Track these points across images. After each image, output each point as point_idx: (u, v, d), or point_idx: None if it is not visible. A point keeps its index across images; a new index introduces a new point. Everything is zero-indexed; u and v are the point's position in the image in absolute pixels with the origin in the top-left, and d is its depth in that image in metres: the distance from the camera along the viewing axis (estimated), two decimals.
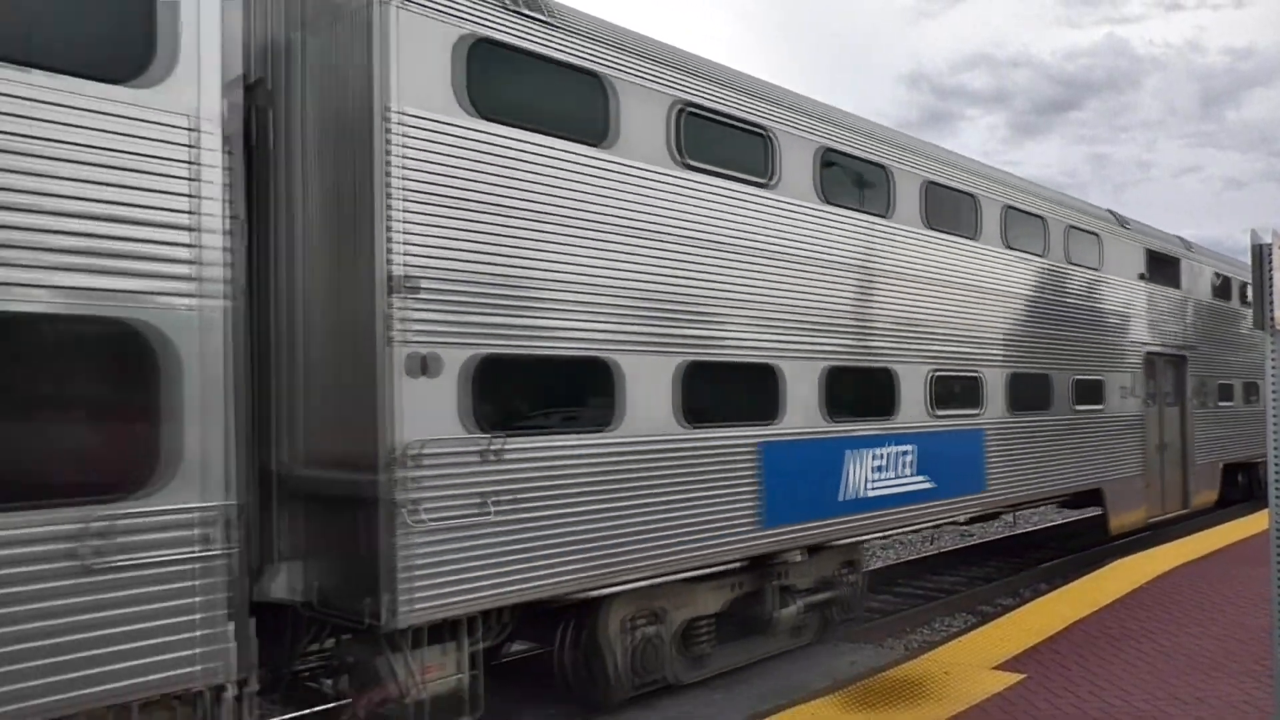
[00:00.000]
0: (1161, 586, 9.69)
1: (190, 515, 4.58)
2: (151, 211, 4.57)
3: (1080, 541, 15.84)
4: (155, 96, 4.57)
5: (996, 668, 7.01)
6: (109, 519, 4.26)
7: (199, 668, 4.59)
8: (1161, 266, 15.00)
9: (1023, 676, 6.75)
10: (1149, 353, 14.34)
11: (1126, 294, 13.87)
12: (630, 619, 7.12)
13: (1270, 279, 4.05)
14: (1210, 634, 7.80)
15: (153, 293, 4.54)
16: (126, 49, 4.42)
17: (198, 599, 4.59)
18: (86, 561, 4.18)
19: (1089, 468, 12.59)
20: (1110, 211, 14.43)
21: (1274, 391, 4.06)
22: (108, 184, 4.42)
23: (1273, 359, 4.04)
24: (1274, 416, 4.09)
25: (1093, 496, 12.94)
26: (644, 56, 7.17)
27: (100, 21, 4.40)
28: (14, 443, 4.13)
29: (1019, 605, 9.35)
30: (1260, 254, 4.07)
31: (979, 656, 7.32)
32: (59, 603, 4.13)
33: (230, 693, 4.75)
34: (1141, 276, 14.32)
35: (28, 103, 4.14)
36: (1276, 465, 4.15)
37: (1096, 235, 13.21)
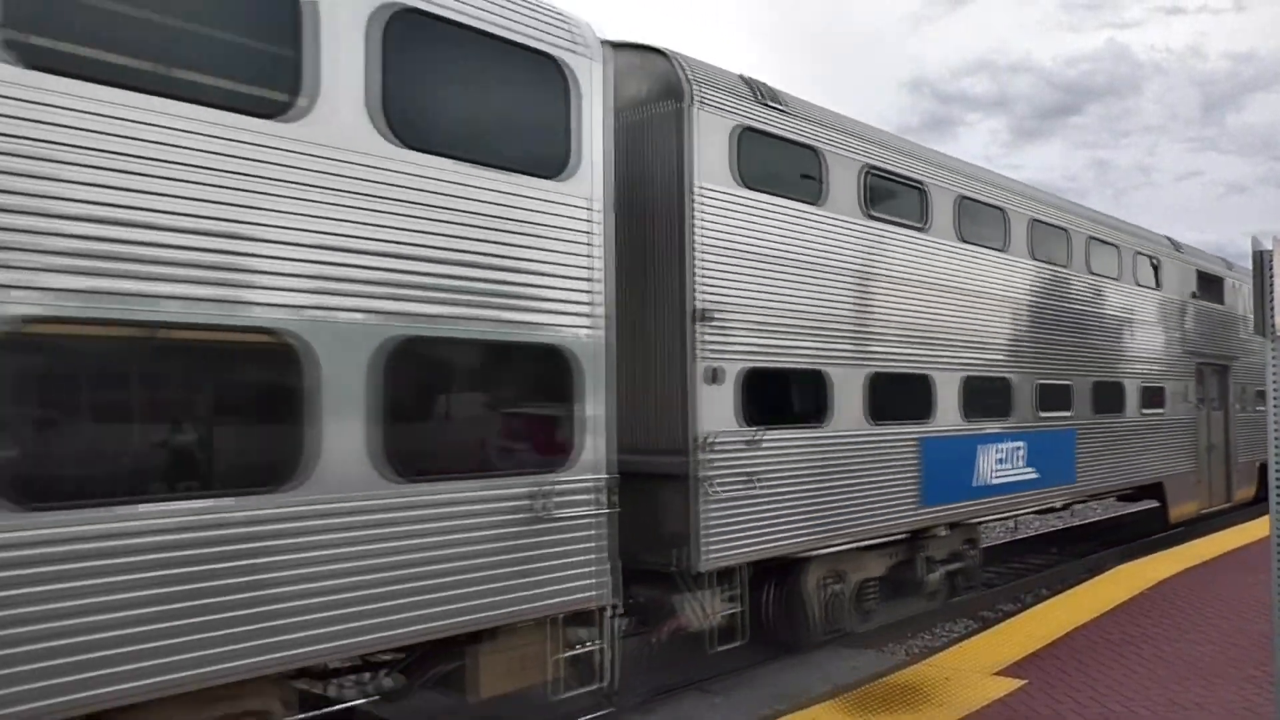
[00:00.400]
0: (1162, 592, 9.68)
1: (590, 484, 6.25)
2: (569, 268, 6.22)
3: (1082, 547, 15.88)
4: (571, 187, 6.27)
5: (997, 673, 7.00)
6: (550, 484, 6.01)
7: (594, 592, 6.25)
8: (1208, 285, 16.75)
9: (1023, 682, 6.75)
10: (1199, 363, 16.13)
11: (1181, 310, 15.68)
12: (823, 578, 8.95)
13: (1271, 285, 4.05)
14: (1211, 640, 7.79)
15: (570, 325, 6.20)
16: (558, 156, 6.24)
17: (593, 543, 6.25)
18: (538, 513, 5.91)
19: (1153, 464, 14.51)
20: (1167, 238, 16.12)
21: (1275, 397, 4.07)
22: (546, 249, 6.09)
23: (1273, 364, 4.05)
24: (1275, 422, 4.10)
25: (1152, 490, 14.78)
26: (842, 131, 9.12)
27: (546, 143, 6.23)
28: (501, 432, 6.03)
29: (1020, 611, 9.34)
30: (1261, 260, 4.08)
31: (980, 662, 7.31)
32: (521, 542, 5.84)
33: (609, 613, 6.38)
34: (1193, 295, 16.18)
35: (506, 194, 5.89)
36: (1278, 470, 4.15)
37: (1158, 259, 15.16)
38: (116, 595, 4.25)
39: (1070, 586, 10.31)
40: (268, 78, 4.96)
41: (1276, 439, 4.10)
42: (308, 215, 4.96)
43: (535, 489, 5.91)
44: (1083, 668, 7.11)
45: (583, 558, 6.17)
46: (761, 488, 7.80)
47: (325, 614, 4.90)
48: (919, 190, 9.98)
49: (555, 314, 6.10)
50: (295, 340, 4.86)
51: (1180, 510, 15.17)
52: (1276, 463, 4.23)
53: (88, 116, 4.24)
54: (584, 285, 6.30)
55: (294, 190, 4.91)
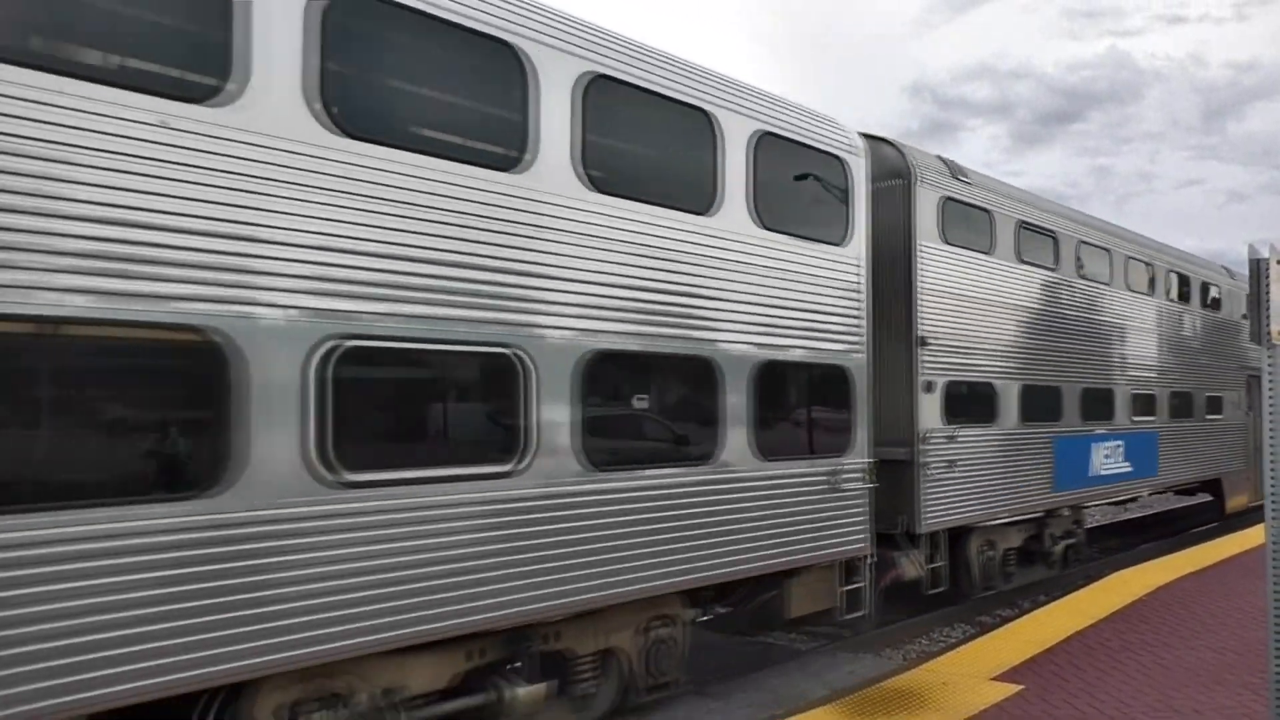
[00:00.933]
0: (1160, 599, 9.69)
1: (860, 466, 8.52)
2: (848, 308, 8.50)
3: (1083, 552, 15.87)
4: (849, 251, 8.55)
5: (994, 679, 7.01)
6: (840, 465, 8.32)
7: (862, 544, 8.55)
8: None
9: (1020, 688, 6.75)
10: (1249, 375, 18.35)
11: (1234, 329, 18.12)
12: (981, 545, 11.26)
13: (1268, 293, 4.07)
14: (1209, 646, 7.80)
15: (849, 351, 8.51)
16: (843, 229, 8.57)
17: (862, 509, 8.52)
18: (833, 485, 8.23)
19: (1214, 461, 17.11)
20: (1224, 267, 18.73)
21: (1271, 404, 4.08)
22: (836, 296, 8.38)
23: (1270, 372, 4.06)
24: (1271, 429, 4.11)
25: (1211, 485, 17.52)
26: (1003, 195, 11.69)
27: (836, 220, 8.55)
28: (818, 427, 8.45)
29: (1017, 616, 9.35)
30: (1258, 268, 4.09)
31: (977, 667, 7.32)
32: (824, 505, 8.15)
33: (868, 560, 8.66)
34: (1243, 316, 17.89)
35: (816, 258, 8.22)
36: (1273, 478, 4.17)
37: (1218, 286, 17.87)
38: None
39: (1068, 593, 10.31)
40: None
41: (1273, 446, 4.11)
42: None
43: (833, 468, 8.26)
44: (1080, 673, 7.11)
45: (856, 519, 8.47)
46: (957, 472, 10.32)
47: (718, 549, 7.18)
48: (1052, 238, 12.55)
49: (842, 343, 8.44)
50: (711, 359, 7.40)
51: (1234, 502, 17.74)
52: (1273, 470, 4.24)
53: None
54: (856, 322, 8.60)
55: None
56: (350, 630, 5.06)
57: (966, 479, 10.56)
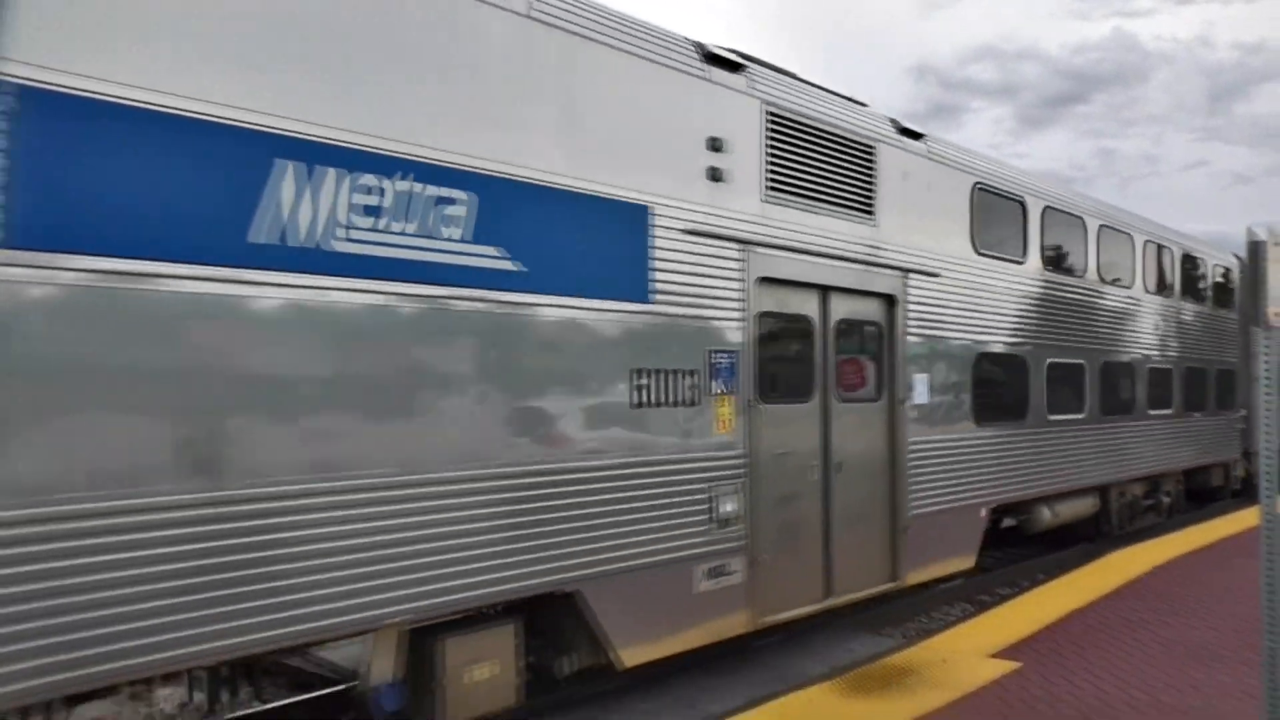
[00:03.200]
0: (1158, 577, 9.77)
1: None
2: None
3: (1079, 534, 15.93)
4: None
5: (993, 656, 7.08)
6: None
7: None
8: None
9: (1019, 665, 6.83)
10: None
11: None
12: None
13: (1266, 275, 4.09)
14: (1206, 624, 7.88)
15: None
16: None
17: None
18: None
19: None
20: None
21: (1267, 385, 4.12)
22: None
23: (1267, 354, 4.10)
24: (1267, 410, 4.15)
25: None
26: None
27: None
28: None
29: (1016, 595, 9.42)
30: (1256, 251, 4.12)
31: (976, 645, 7.39)
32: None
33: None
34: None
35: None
36: (1268, 458, 4.21)
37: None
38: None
39: (1067, 571, 10.39)
40: None
41: (1268, 431, 4.15)
42: None
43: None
44: (1078, 650, 7.19)
45: None
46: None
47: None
48: (1196, 261, 15.20)
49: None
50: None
51: None
52: (1268, 455, 4.29)
53: None
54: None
55: None
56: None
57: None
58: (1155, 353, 14.11)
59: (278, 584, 4.70)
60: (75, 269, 4.07)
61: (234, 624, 4.56)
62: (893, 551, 8.80)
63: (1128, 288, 13.36)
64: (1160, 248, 14.35)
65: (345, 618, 4.95)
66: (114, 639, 4.20)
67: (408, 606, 5.21)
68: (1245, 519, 13.67)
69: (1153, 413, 13.89)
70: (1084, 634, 7.66)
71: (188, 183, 4.44)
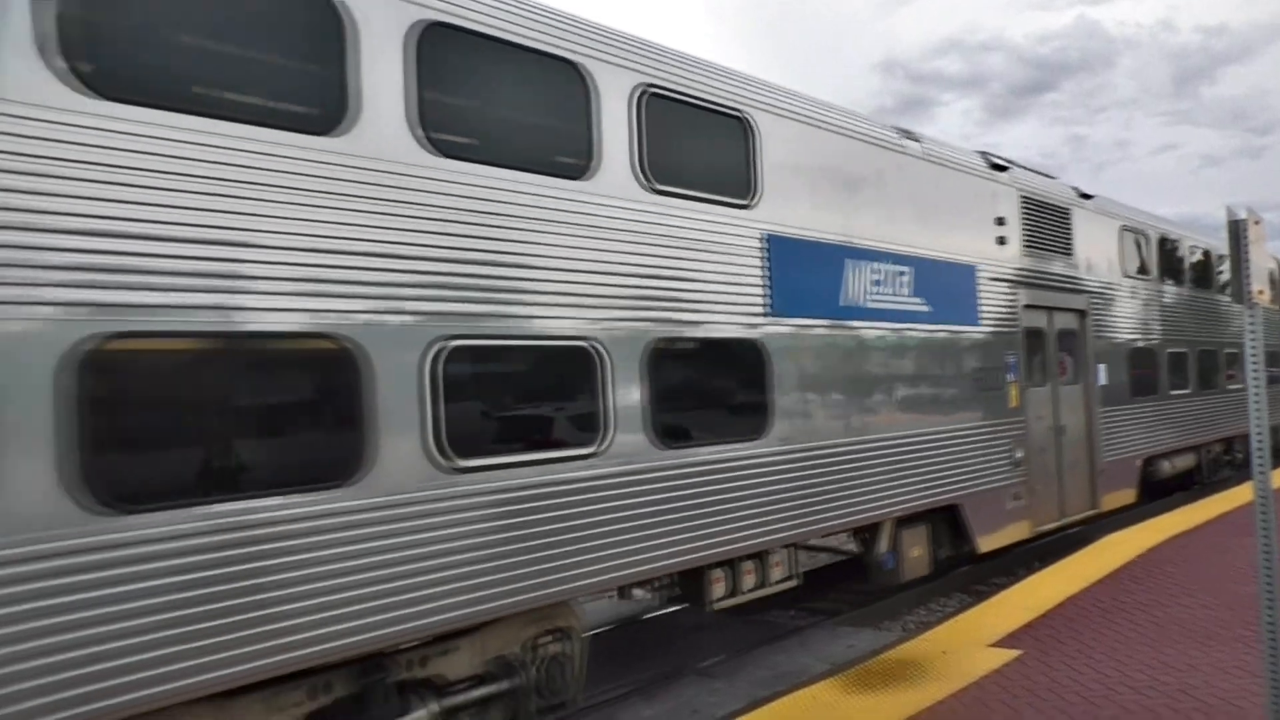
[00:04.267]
0: (1152, 559, 9.83)
1: None
2: None
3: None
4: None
5: (993, 645, 7.11)
6: None
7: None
8: None
9: (1019, 653, 6.86)
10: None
11: None
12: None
13: (1247, 253, 4.14)
14: (1201, 603, 7.93)
15: None
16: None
17: None
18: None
19: None
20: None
21: (1253, 361, 4.16)
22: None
23: (1250, 330, 4.14)
24: (1254, 386, 4.19)
25: None
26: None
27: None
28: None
29: (1013, 583, 9.47)
30: (1236, 229, 4.16)
31: (975, 635, 7.42)
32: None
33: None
34: None
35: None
36: (1258, 434, 4.25)
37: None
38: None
39: (1062, 557, 10.45)
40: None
41: (1256, 402, 4.19)
42: None
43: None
44: (1077, 635, 7.23)
45: None
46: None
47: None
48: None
49: None
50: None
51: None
52: (1258, 431, 4.32)
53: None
54: None
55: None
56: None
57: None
58: (1229, 340, 17.40)
59: (857, 491, 8.43)
60: (790, 325, 7.86)
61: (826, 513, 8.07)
62: (1092, 488, 12.41)
63: (1207, 289, 16.82)
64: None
65: (878, 512, 8.69)
66: None
67: (893, 510, 8.87)
68: (1236, 497, 13.79)
69: (1230, 387, 17.25)
70: (1081, 619, 7.70)
71: (819, 275, 8.24)
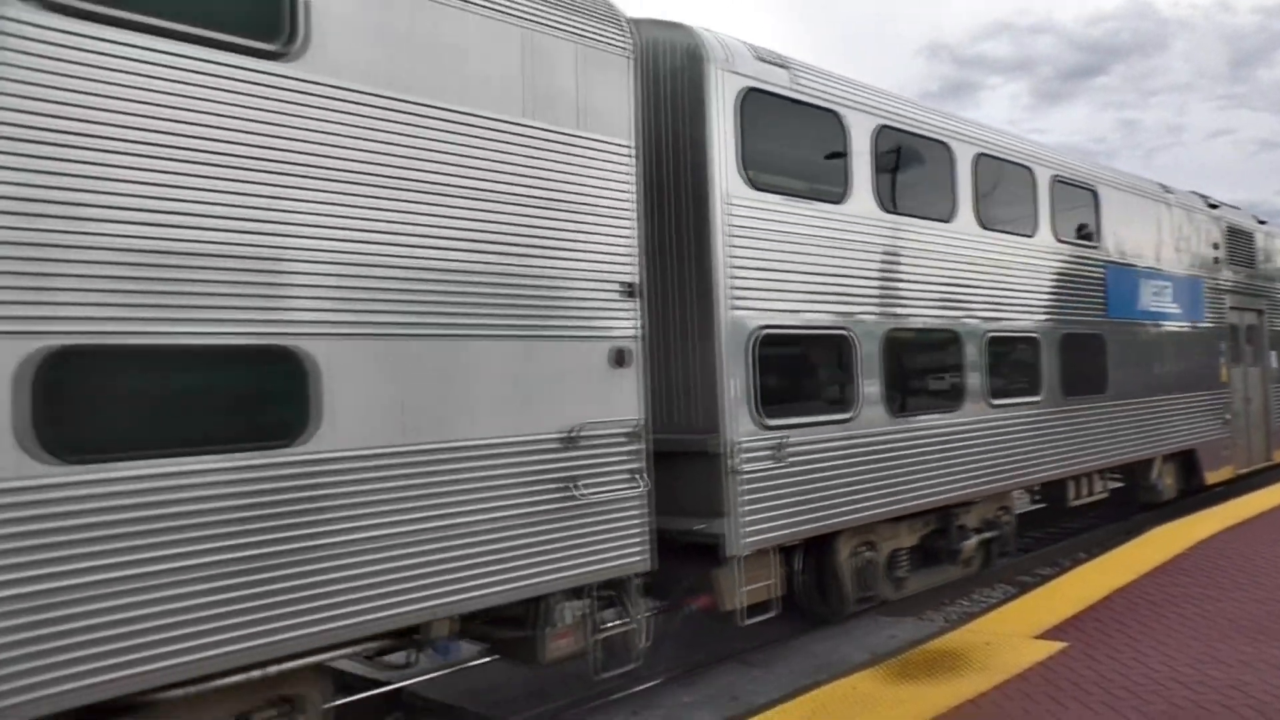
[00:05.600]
0: (1203, 552, 9.63)
1: None
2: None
3: (1120, 510, 15.77)
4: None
5: (1038, 637, 7.01)
6: None
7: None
8: None
9: (1065, 645, 6.76)
10: None
11: None
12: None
13: None
14: (1254, 598, 7.75)
15: None
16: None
17: None
18: None
19: None
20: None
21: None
22: None
23: None
24: None
25: None
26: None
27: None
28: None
29: (1058, 575, 9.33)
30: None
31: (1020, 626, 7.32)
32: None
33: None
34: None
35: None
36: None
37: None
38: None
39: (1108, 550, 10.27)
40: None
41: None
42: None
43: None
44: (1124, 628, 7.10)
45: None
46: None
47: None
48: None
49: None
50: None
51: None
52: None
53: None
54: None
55: None
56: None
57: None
58: None
59: (1149, 433, 12.92)
60: (1118, 321, 12.50)
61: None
62: (1268, 444, 16.31)
63: None
64: None
65: (1155, 449, 13.15)
66: None
67: (1160, 450, 13.23)
68: None
69: None
70: (1128, 612, 7.57)
71: (1133, 289, 12.76)
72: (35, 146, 4.02)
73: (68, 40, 4.12)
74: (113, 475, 4.17)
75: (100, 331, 4.16)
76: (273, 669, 4.70)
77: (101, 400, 4.24)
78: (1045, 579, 9.49)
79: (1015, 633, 7.15)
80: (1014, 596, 8.69)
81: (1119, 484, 13.60)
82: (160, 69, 4.39)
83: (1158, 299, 13.12)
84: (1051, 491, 11.88)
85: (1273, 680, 5.82)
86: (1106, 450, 11.79)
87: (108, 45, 4.25)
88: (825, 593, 8.72)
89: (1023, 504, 13.55)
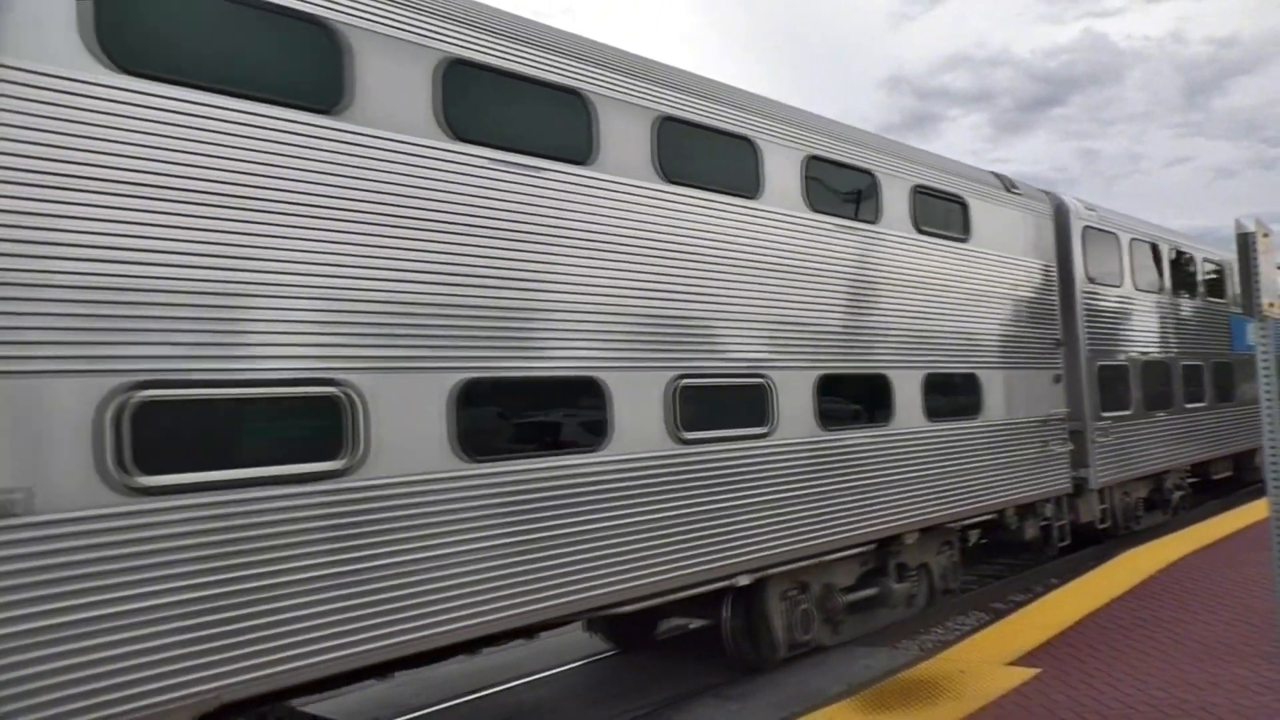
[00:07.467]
0: (1170, 575, 9.75)
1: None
2: None
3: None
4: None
5: (1011, 664, 7.06)
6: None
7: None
8: None
9: (1037, 671, 6.80)
10: None
11: None
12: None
13: (1257, 266, 4.13)
14: (1220, 619, 7.86)
15: None
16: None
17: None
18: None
19: None
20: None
21: (1265, 374, 4.14)
22: None
23: (1262, 343, 4.13)
24: (1268, 399, 4.17)
25: None
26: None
27: None
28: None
29: (1031, 601, 9.40)
30: (1245, 242, 4.16)
31: (993, 653, 7.37)
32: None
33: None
34: None
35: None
36: (1273, 449, 4.23)
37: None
38: None
39: (1079, 574, 10.37)
40: None
41: (1271, 422, 4.17)
42: None
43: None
44: (1095, 653, 7.16)
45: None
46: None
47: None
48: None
49: None
50: None
51: None
52: (1272, 446, 4.31)
53: None
54: None
55: None
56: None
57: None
58: None
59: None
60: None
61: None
62: None
63: None
64: None
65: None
66: None
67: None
68: (1253, 512, 13.67)
69: None
70: (1099, 636, 7.64)
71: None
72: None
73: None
74: None
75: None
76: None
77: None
78: (1017, 605, 9.57)
79: (989, 659, 7.19)
80: (987, 623, 8.75)
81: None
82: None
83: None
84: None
85: (1240, 700, 5.89)
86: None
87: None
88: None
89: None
